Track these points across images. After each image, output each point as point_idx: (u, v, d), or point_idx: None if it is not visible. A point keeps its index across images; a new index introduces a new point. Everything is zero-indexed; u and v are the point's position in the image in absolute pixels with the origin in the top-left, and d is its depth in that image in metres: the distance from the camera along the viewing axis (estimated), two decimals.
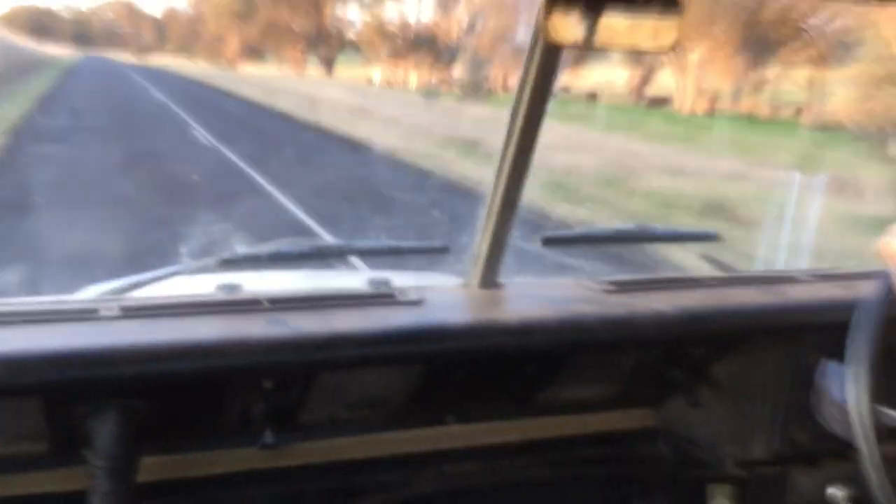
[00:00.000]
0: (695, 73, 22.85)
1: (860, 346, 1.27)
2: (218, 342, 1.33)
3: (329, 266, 1.97)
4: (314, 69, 43.63)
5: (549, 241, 1.81)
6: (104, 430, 1.32)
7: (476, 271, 1.66)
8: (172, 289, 1.60)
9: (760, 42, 20.82)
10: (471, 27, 32.70)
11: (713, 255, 1.97)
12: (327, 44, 42.46)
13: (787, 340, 1.74)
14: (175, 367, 1.30)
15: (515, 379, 1.69)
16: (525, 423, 1.80)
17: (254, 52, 48.50)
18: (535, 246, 1.74)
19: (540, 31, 1.38)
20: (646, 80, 27.30)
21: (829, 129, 14.11)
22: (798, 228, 5.23)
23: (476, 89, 25.88)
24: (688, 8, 1.24)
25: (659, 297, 1.68)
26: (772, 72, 22.01)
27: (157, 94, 26.57)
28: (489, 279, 1.67)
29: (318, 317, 1.44)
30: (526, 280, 1.82)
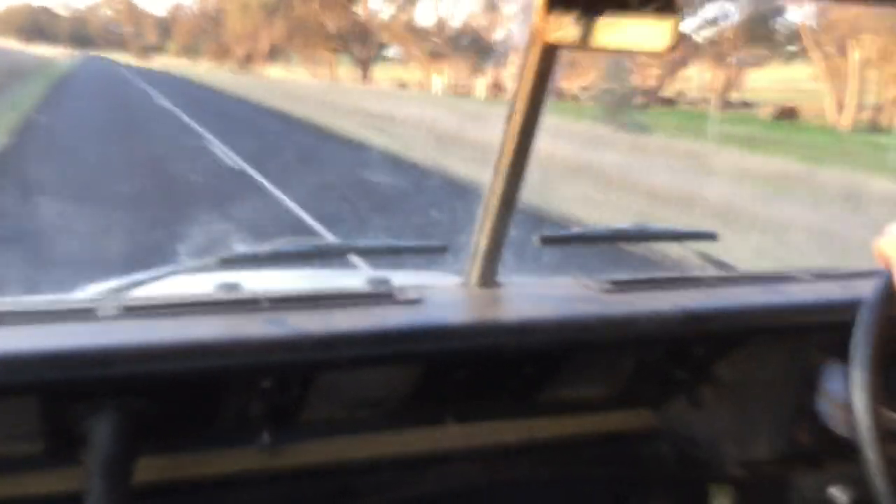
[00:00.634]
0: (857, 76, 18.53)
1: (863, 345, 1.26)
2: (217, 342, 1.32)
3: (328, 265, 1.97)
4: (344, 71, 39.86)
5: (548, 241, 1.80)
6: (101, 430, 1.31)
7: (475, 271, 1.66)
8: (171, 288, 1.60)
9: None
10: None
11: (713, 255, 1.96)
12: (364, 43, 38.14)
13: (788, 340, 1.74)
14: (173, 367, 1.30)
15: (515, 379, 1.68)
16: (525, 423, 1.79)
17: (275, 52, 44.83)
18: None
19: (536, 32, 1.38)
20: (731, 82, 24.61)
21: None
22: None
23: (622, 103, 19.61)
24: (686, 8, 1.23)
25: (659, 297, 1.68)
26: None
27: (165, 103, 22.86)
28: (488, 278, 1.66)
29: (317, 316, 1.43)
30: (525, 279, 1.82)
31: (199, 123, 17.59)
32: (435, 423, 1.70)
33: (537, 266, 2.09)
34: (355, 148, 15.00)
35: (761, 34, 25.02)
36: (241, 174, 11.29)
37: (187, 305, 1.42)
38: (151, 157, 12.65)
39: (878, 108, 18.80)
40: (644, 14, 1.22)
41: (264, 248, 1.65)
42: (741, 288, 1.80)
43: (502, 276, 1.68)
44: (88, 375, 1.26)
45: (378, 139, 15.11)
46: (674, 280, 1.80)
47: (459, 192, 8.91)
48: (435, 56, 34.55)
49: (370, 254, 1.96)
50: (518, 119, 1.53)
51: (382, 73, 40.03)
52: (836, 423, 1.67)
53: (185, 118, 18.96)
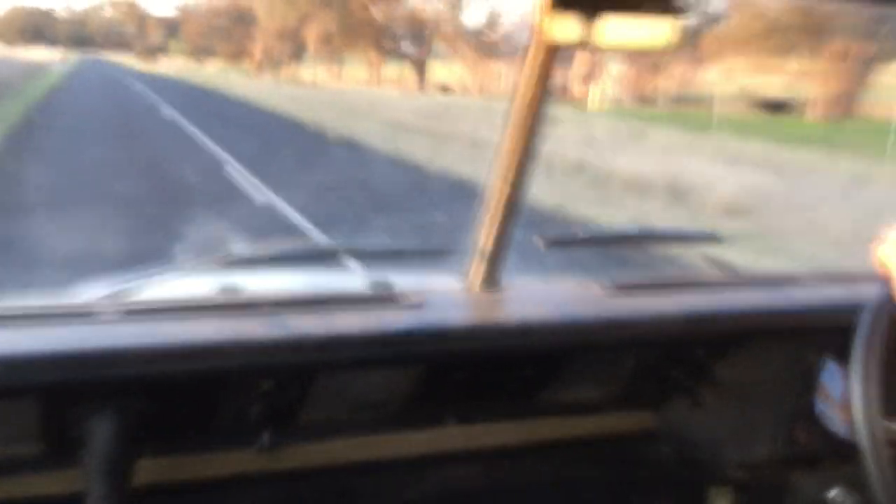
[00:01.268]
0: None
1: (864, 348, 1.26)
2: (217, 343, 1.32)
3: (330, 267, 1.96)
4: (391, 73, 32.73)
5: (551, 243, 1.80)
6: (101, 432, 1.31)
7: (477, 273, 1.66)
8: (171, 289, 1.59)
9: None
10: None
11: (715, 257, 1.96)
12: (420, 41, 30.99)
13: (788, 342, 1.74)
14: (173, 368, 1.29)
15: (516, 380, 1.68)
16: (526, 424, 1.79)
17: (299, 53, 38.59)
18: None
19: (538, 30, 1.38)
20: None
21: None
22: None
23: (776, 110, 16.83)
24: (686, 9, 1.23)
25: (660, 299, 1.68)
26: None
27: (198, 136, 14.70)
28: (490, 281, 1.66)
29: (318, 318, 1.43)
30: (527, 281, 1.81)
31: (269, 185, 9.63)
32: (436, 425, 1.70)
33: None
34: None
35: None
36: None
37: (188, 307, 1.42)
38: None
39: None
40: (646, 13, 1.22)
41: (265, 249, 1.64)
42: (742, 290, 1.80)
43: (505, 278, 1.68)
44: (88, 377, 1.25)
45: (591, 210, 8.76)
46: (675, 281, 1.80)
47: None
48: (486, 56, 29.23)
49: (372, 256, 1.96)
50: (519, 119, 1.53)
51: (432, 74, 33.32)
52: (836, 425, 1.67)
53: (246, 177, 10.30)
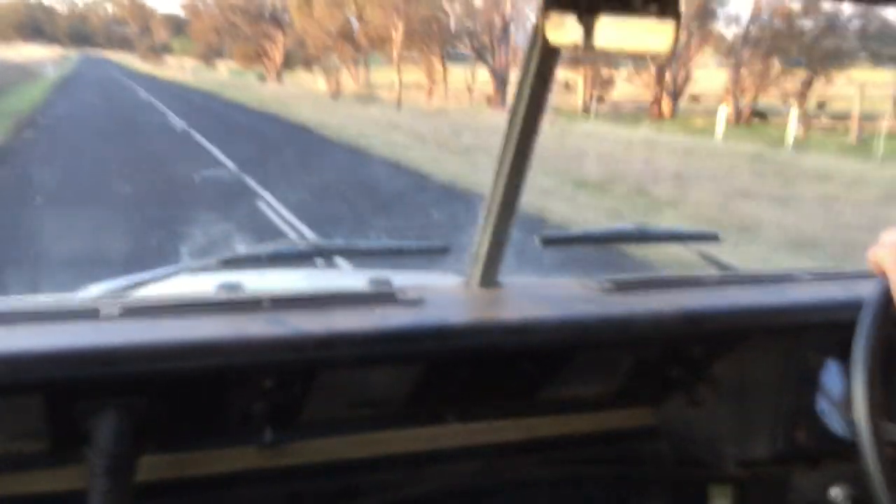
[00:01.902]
0: None
1: (864, 347, 1.27)
2: (219, 341, 1.33)
3: (330, 266, 1.97)
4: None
5: (549, 241, 1.81)
6: (104, 429, 1.32)
7: (476, 271, 1.66)
8: (173, 288, 1.60)
9: None
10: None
11: (713, 255, 1.97)
12: (499, 46, 25.92)
13: (787, 340, 1.74)
14: (176, 366, 1.30)
15: (515, 378, 1.69)
16: (525, 422, 1.80)
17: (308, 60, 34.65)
18: None
19: (538, 33, 1.39)
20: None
21: None
22: None
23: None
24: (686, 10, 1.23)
25: (659, 297, 1.69)
26: None
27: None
28: (489, 279, 1.67)
29: (319, 316, 1.44)
30: (526, 279, 1.82)
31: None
32: (436, 422, 1.71)
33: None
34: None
35: None
36: None
37: (189, 305, 1.43)
38: None
39: None
40: (645, 15, 1.23)
41: (266, 248, 1.65)
42: (741, 288, 1.81)
43: (503, 277, 1.69)
44: (92, 374, 1.26)
45: None
46: (673, 280, 1.81)
47: None
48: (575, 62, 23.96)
49: (372, 255, 1.97)
50: (519, 120, 1.54)
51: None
52: (836, 423, 1.67)
53: None
